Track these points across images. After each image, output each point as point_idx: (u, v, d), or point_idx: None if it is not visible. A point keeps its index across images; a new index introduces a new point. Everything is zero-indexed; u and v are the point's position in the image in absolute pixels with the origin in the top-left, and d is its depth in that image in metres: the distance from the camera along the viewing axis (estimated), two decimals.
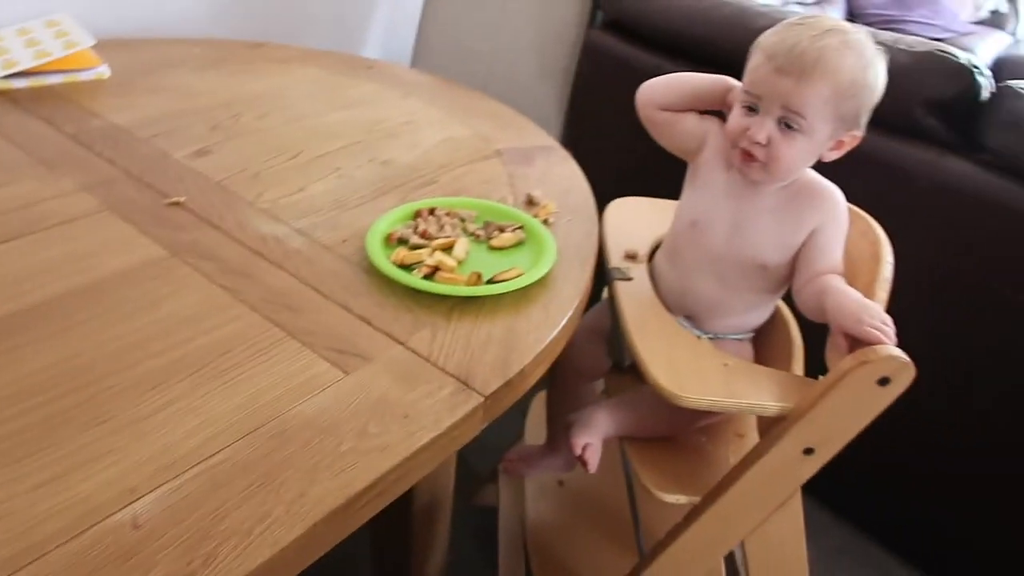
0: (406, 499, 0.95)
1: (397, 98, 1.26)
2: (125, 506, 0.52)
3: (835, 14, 3.18)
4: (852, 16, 3.33)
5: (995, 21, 3.59)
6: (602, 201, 1.07)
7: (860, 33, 0.82)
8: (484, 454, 1.54)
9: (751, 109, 0.83)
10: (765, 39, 0.83)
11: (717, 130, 0.92)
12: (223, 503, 0.53)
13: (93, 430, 0.57)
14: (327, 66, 1.36)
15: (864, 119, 0.84)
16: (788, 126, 0.81)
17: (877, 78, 0.82)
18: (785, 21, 0.83)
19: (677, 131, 0.95)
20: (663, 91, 0.95)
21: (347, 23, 1.92)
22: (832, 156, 0.86)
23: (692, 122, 0.93)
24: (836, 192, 0.89)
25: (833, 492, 1.46)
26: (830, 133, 0.83)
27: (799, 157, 0.84)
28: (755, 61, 0.83)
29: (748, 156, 0.84)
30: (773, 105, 0.81)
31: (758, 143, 0.82)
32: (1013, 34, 3.58)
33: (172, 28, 1.51)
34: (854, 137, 0.85)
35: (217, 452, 0.57)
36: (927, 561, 1.38)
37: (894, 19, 3.27)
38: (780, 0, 2.88)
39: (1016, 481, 1.19)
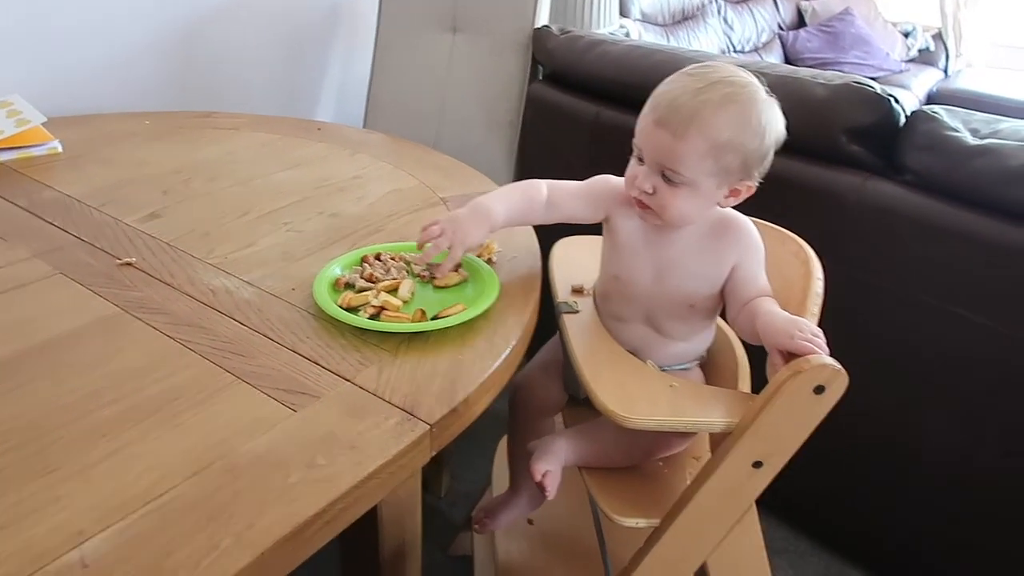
0: (374, 547, 0.96)
1: (345, 156, 1.30)
2: (73, 548, 0.53)
3: (773, 59, 3.32)
4: (790, 60, 3.49)
5: (926, 58, 3.78)
6: (552, 240, 1.11)
7: (749, 86, 0.81)
8: (457, 504, 1.54)
9: (640, 158, 0.85)
10: (658, 88, 0.84)
11: (617, 188, 0.93)
12: (172, 539, 0.54)
13: (41, 480, 0.58)
14: (276, 130, 1.41)
15: (757, 169, 0.84)
16: (669, 179, 0.82)
17: (764, 129, 0.81)
18: (683, 69, 0.84)
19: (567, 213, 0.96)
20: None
21: (297, 90, 1.98)
22: (730, 203, 0.87)
23: (581, 208, 0.95)
24: (746, 222, 0.90)
25: (812, 519, 1.49)
26: (716, 184, 0.83)
27: (687, 207, 0.84)
28: (644, 110, 0.84)
29: (641, 203, 0.86)
30: (653, 159, 0.83)
31: (646, 192, 0.84)
32: (944, 70, 3.77)
33: (122, 104, 1.56)
34: (748, 187, 0.85)
35: (166, 492, 0.58)
36: None
37: (829, 61, 3.44)
38: (719, 48, 3.02)
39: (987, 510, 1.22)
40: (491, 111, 1.80)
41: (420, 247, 0.89)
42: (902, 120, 1.24)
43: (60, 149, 1.23)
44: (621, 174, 0.92)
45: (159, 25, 1.63)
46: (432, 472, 1.55)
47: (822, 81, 1.28)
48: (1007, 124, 1.18)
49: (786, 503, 1.48)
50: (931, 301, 1.16)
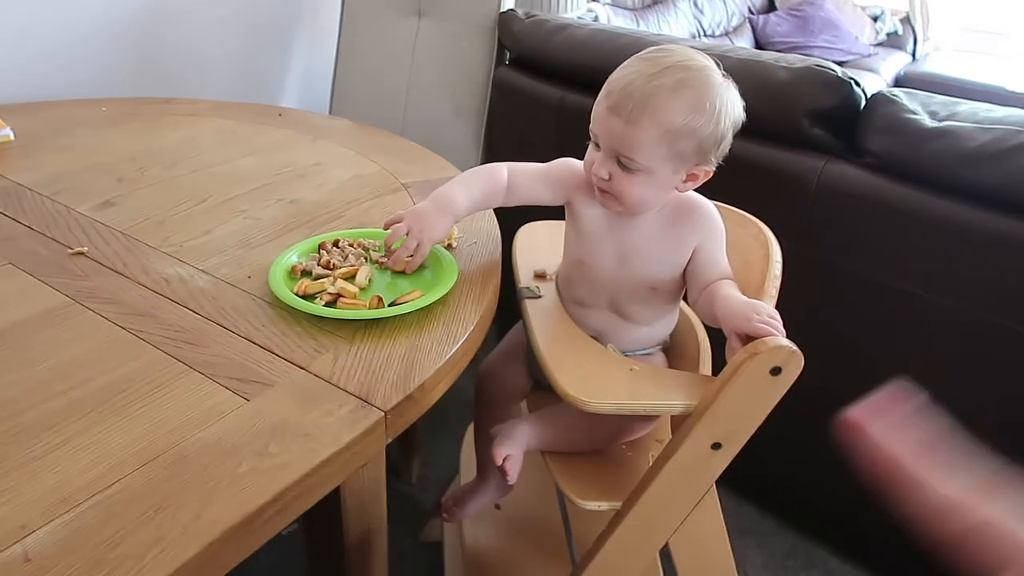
0: (339, 536, 0.96)
1: (307, 142, 1.29)
2: (16, 542, 0.52)
3: (744, 44, 3.33)
4: (760, 44, 3.50)
5: (894, 42, 3.81)
6: (515, 225, 1.11)
7: (704, 70, 0.80)
8: (428, 490, 1.55)
9: (597, 144, 0.84)
10: (613, 73, 0.83)
11: (579, 172, 0.91)
12: (117, 531, 0.53)
13: None
14: (236, 116, 1.39)
15: (713, 154, 0.83)
16: (625, 166, 0.82)
17: (719, 113, 0.80)
18: (638, 54, 0.83)
19: (528, 196, 0.95)
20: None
21: (261, 75, 1.95)
22: (687, 188, 0.87)
23: (542, 192, 0.94)
24: (707, 205, 0.91)
25: (779, 498, 1.51)
26: (672, 169, 0.82)
27: (645, 193, 0.84)
28: (599, 96, 0.83)
29: (600, 189, 0.86)
30: (607, 145, 0.82)
31: (602, 178, 0.83)
32: (912, 53, 3.80)
33: (78, 90, 1.52)
34: (706, 172, 0.85)
35: (113, 484, 0.57)
36: (867, 558, 1.43)
37: (799, 45, 3.45)
38: (689, 32, 3.02)
39: None
40: (457, 96, 1.79)
41: (389, 248, 0.89)
42: (862, 103, 1.25)
43: (12, 137, 1.21)
44: None
45: (117, 7, 1.59)
46: (403, 459, 1.54)
47: (784, 64, 1.28)
48: (965, 106, 1.19)
49: (753, 483, 1.49)
50: (890, 282, 1.18)
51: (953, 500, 0.24)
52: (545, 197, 0.94)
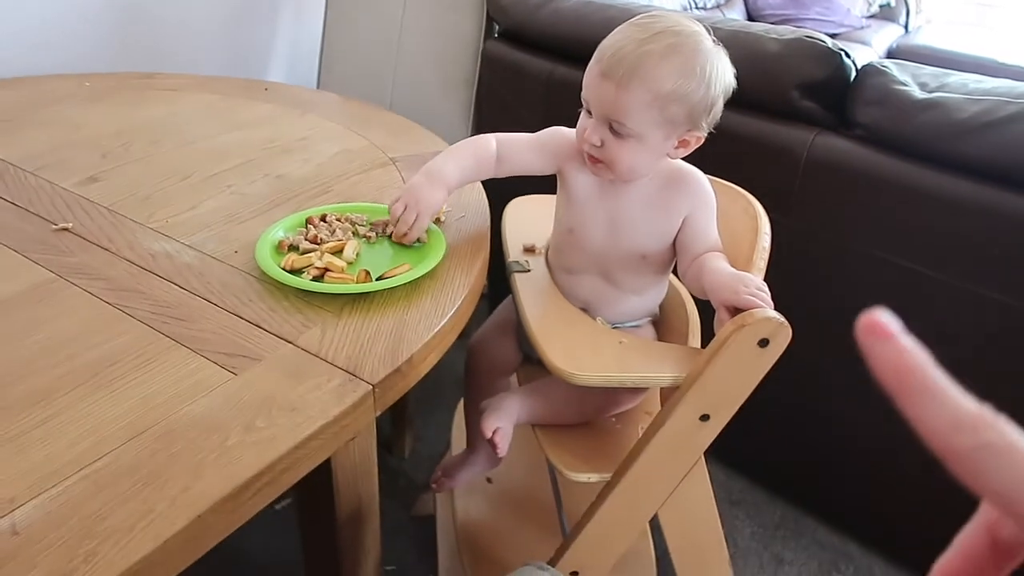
0: (330, 512, 0.96)
1: (294, 117, 1.27)
2: (3, 516, 0.52)
3: (735, 16, 3.30)
4: (752, 17, 3.47)
5: (887, 15, 3.78)
6: (505, 199, 1.11)
7: (693, 35, 0.81)
8: (420, 465, 1.55)
9: (589, 111, 0.85)
10: (604, 39, 0.84)
11: (570, 140, 0.92)
12: (105, 504, 0.53)
13: None
14: (221, 91, 1.37)
15: (704, 119, 0.83)
16: (616, 131, 0.82)
17: (709, 79, 0.80)
18: (629, 20, 0.83)
19: (519, 166, 0.95)
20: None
21: (247, 50, 1.93)
22: (679, 154, 0.87)
23: (533, 161, 0.94)
24: (699, 175, 0.91)
25: (768, 469, 1.52)
26: (664, 135, 0.83)
27: (636, 159, 0.84)
28: (590, 62, 0.84)
29: (592, 159, 0.86)
30: (599, 111, 0.82)
31: (595, 145, 0.83)
32: (904, 26, 3.78)
33: (60, 65, 1.50)
34: (697, 138, 0.85)
35: (100, 457, 0.57)
36: (856, 527, 1.45)
37: (791, 18, 3.42)
38: (680, 5, 2.99)
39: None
40: (445, 69, 1.77)
41: (390, 223, 0.90)
42: (852, 75, 1.24)
43: None
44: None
45: None
46: (395, 434, 1.55)
47: (774, 36, 1.27)
48: (955, 77, 1.19)
49: (743, 454, 1.51)
50: (879, 254, 1.18)
51: (971, 413, 0.24)
52: (536, 166, 0.94)
